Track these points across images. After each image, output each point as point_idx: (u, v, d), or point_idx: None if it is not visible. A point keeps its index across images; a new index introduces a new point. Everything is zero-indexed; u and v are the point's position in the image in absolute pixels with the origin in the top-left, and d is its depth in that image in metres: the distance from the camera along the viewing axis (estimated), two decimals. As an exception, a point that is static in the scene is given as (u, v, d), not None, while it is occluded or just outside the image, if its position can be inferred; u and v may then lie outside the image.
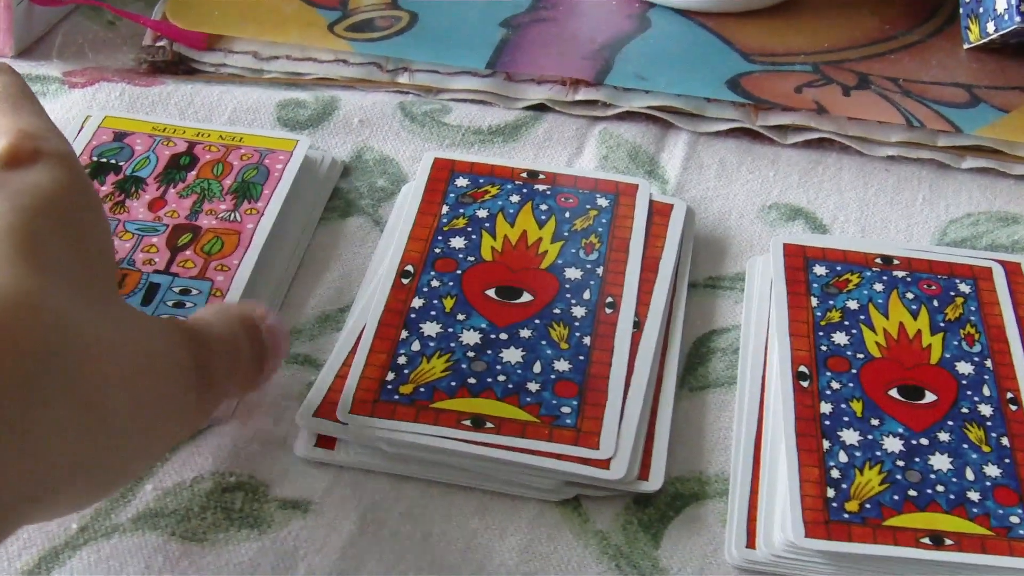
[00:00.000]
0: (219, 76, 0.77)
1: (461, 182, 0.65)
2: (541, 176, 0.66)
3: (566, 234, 0.62)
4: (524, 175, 0.66)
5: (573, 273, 0.60)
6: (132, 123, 0.70)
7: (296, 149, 0.68)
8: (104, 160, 0.67)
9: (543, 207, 0.64)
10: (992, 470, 0.53)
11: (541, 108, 0.75)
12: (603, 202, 0.64)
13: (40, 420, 0.37)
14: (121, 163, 0.66)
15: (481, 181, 0.65)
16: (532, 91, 0.75)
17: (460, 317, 0.58)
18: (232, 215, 0.63)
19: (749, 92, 0.73)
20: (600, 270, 0.61)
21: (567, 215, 0.63)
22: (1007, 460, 0.53)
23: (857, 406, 0.55)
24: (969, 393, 0.56)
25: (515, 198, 0.64)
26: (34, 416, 0.37)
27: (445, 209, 0.64)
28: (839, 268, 0.62)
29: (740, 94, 0.73)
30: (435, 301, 0.58)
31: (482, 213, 0.63)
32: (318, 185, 0.68)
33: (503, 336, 0.57)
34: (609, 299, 0.59)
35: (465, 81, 0.75)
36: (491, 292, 0.59)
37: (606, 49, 0.76)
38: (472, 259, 0.61)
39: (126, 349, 0.41)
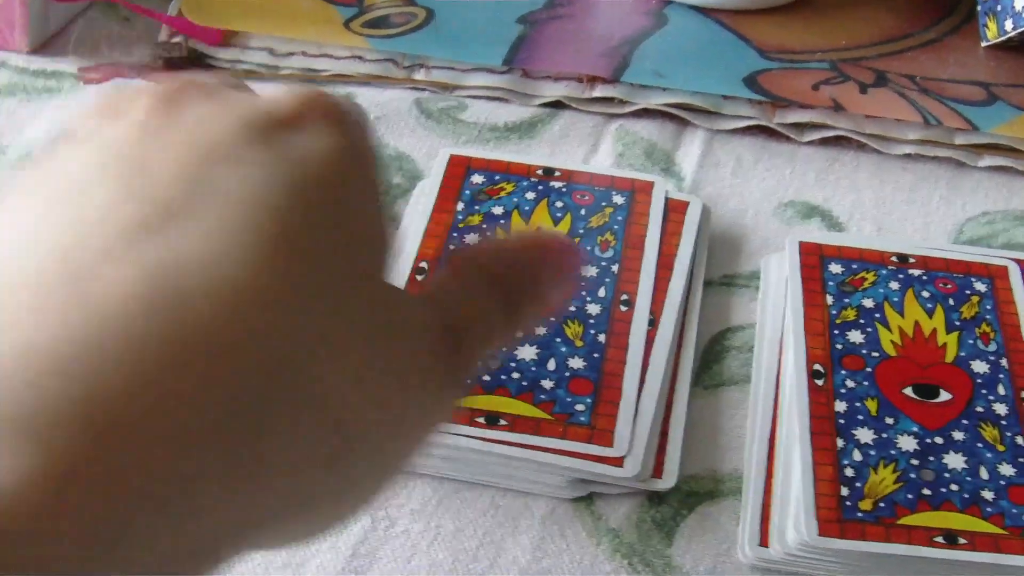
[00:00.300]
0: (234, 73, 0.77)
1: (477, 179, 0.65)
2: (557, 173, 0.66)
3: (581, 231, 0.62)
4: (540, 172, 0.66)
5: (588, 270, 0.60)
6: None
7: (312, 145, 0.67)
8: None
9: (558, 204, 0.64)
10: (1007, 469, 0.53)
11: (558, 105, 0.75)
12: (619, 199, 0.64)
13: (273, 446, 0.29)
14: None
15: (497, 178, 0.65)
16: (549, 88, 0.75)
17: None
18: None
19: (766, 89, 0.73)
20: (615, 267, 0.60)
21: (582, 212, 0.63)
22: (1021, 459, 0.53)
23: (872, 405, 0.55)
24: (984, 392, 0.56)
25: (531, 195, 0.64)
26: (267, 442, 0.29)
27: (460, 206, 0.64)
28: (855, 266, 0.62)
29: (757, 91, 0.73)
30: None
31: (497, 210, 0.63)
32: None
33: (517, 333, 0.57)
34: (624, 296, 0.59)
35: (481, 78, 0.75)
36: None
37: (623, 46, 0.76)
38: None
39: (375, 356, 0.33)
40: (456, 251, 0.43)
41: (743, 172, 0.71)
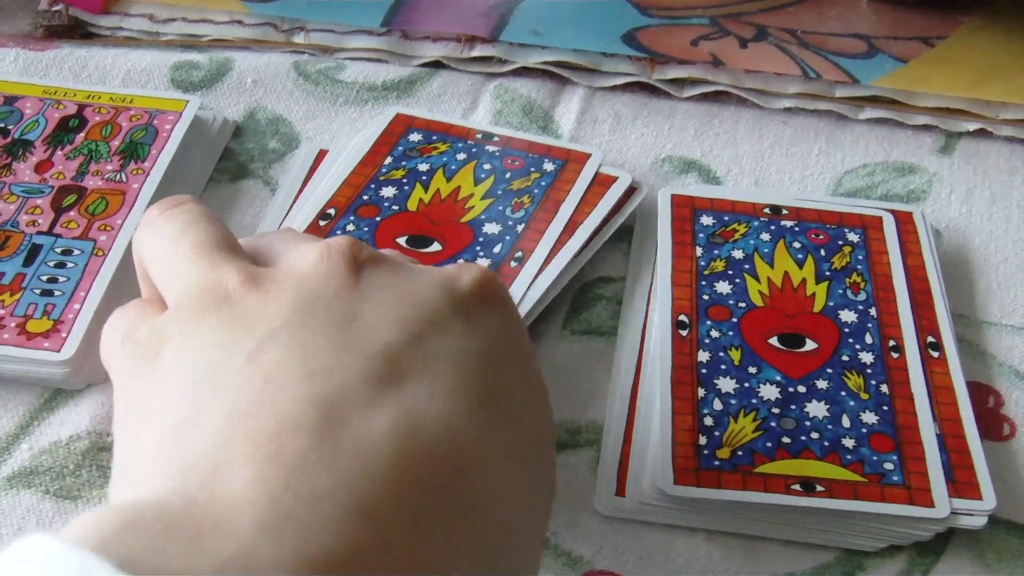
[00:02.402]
0: (115, 40, 0.76)
1: (414, 137, 0.65)
2: (496, 139, 0.65)
3: (499, 192, 0.62)
4: (479, 136, 0.66)
5: (491, 228, 0.60)
6: (23, 87, 0.69)
7: (185, 109, 0.67)
8: (-7, 124, 0.66)
9: (486, 166, 0.63)
10: (869, 417, 0.53)
11: (438, 65, 0.74)
12: (549, 167, 0.64)
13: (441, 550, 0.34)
14: (10, 127, 0.66)
15: (434, 138, 0.65)
16: (428, 48, 0.74)
17: None
18: (118, 175, 0.63)
19: (644, 46, 0.73)
20: (520, 227, 0.60)
21: (507, 175, 0.63)
22: (885, 407, 0.53)
23: (735, 354, 0.55)
24: (851, 341, 0.56)
25: (461, 156, 0.64)
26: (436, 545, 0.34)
27: (388, 160, 0.63)
28: (727, 218, 0.61)
29: (636, 48, 0.72)
30: None
31: (423, 167, 0.63)
32: (208, 146, 0.68)
33: None
34: (519, 254, 0.59)
35: (361, 40, 0.75)
36: (402, 240, 0.59)
37: (501, 5, 0.76)
38: (396, 208, 0.61)
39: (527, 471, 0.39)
40: None
41: (621, 128, 0.71)
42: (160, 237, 0.44)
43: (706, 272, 0.59)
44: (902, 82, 0.72)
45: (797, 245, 0.60)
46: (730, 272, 0.59)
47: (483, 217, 0.60)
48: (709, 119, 0.72)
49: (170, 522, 0.31)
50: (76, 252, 0.59)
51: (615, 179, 0.64)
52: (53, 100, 0.68)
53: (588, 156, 0.65)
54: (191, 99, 0.68)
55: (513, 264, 0.58)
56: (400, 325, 0.38)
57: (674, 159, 0.69)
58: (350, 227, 0.59)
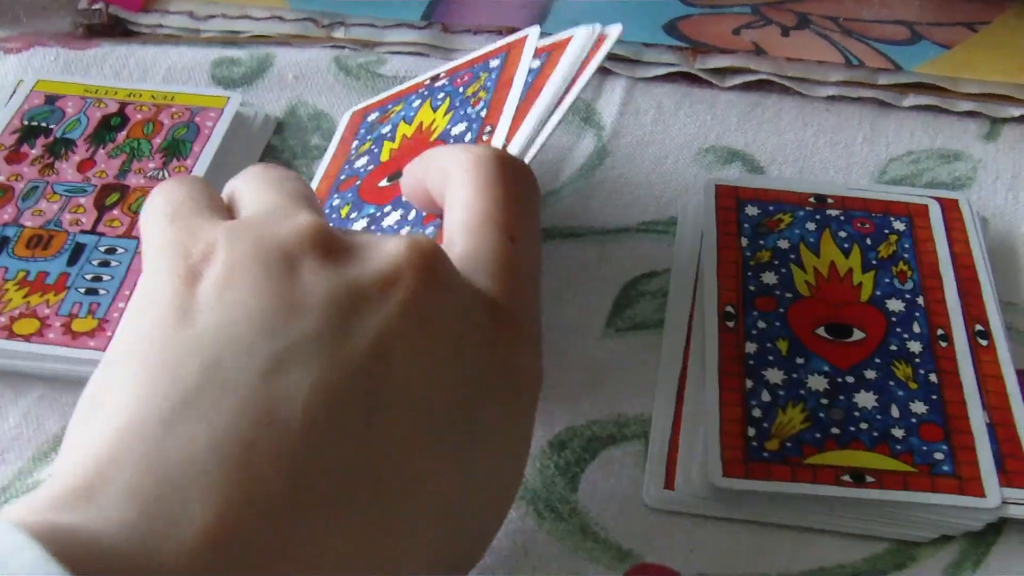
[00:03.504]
0: (156, 37, 0.77)
1: (372, 117, 0.65)
2: (442, 73, 0.65)
3: (456, 104, 0.61)
4: (427, 82, 0.65)
5: (458, 129, 0.58)
6: (64, 86, 0.69)
7: (227, 106, 0.67)
8: (35, 124, 0.66)
9: (440, 95, 0.62)
10: (918, 407, 0.52)
11: (478, 58, 0.74)
12: (494, 63, 0.62)
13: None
14: (52, 126, 0.66)
15: (389, 105, 0.65)
16: (469, 41, 0.74)
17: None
18: (160, 173, 0.63)
19: (686, 35, 0.72)
20: (483, 113, 0.57)
21: (461, 89, 0.62)
22: (934, 396, 0.53)
23: (783, 345, 0.55)
24: (899, 330, 0.56)
25: (416, 103, 0.63)
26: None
27: (355, 143, 0.63)
28: (771, 208, 0.61)
29: (677, 37, 0.72)
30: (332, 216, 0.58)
31: (386, 129, 0.63)
32: (250, 142, 0.68)
33: None
34: (488, 128, 0.57)
35: (401, 34, 0.75)
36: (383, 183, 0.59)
37: (542, -3, 0.76)
38: (372, 167, 0.60)
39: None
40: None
41: (664, 119, 0.70)
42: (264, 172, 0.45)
43: (752, 263, 0.58)
44: (946, 68, 0.71)
45: (843, 234, 0.60)
46: (776, 262, 0.58)
47: (448, 128, 0.59)
48: (752, 108, 0.71)
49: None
50: (120, 251, 0.59)
51: (570, 38, 0.61)
52: (94, 99, 0.68)
53: (525, 38, 0.62)
54: (232, 96, 0.68)
55: (484, 138, 0.57)
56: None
57: (718, 149, 0.68)
58: (336, 201, 0.59)
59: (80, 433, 0.36)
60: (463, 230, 0.44)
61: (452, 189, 0.45)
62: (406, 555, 0.36)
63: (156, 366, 0.36)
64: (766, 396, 0.52)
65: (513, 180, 0.45)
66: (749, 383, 0.53)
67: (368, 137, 0.63)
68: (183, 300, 0.37)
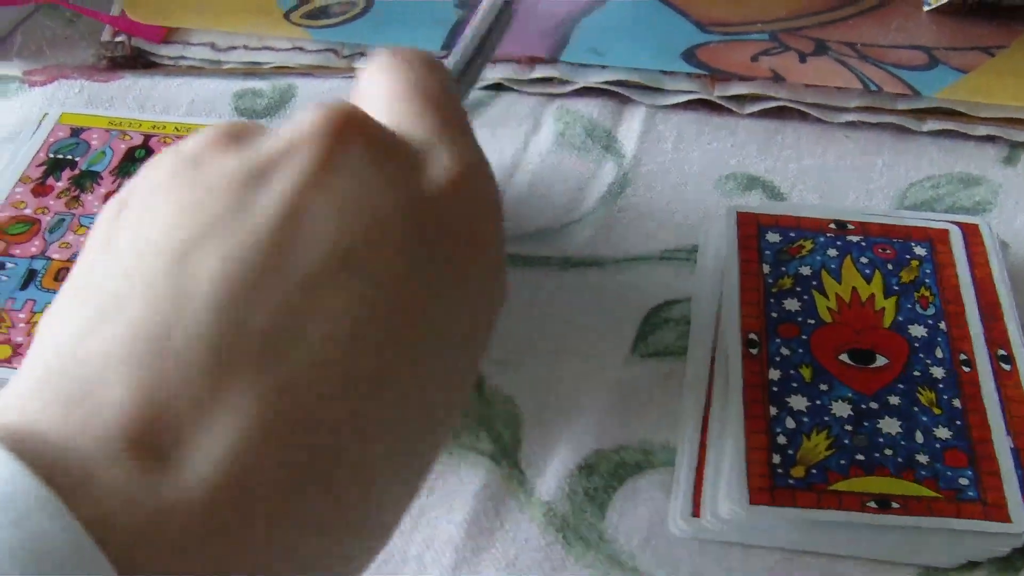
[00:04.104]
0: (178, 69, 0.77)
1: None
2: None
3: None
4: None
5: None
6: (89, 119, 0.70)
7: (251, 138, 0.68)
8: (60, 156, 0.67)
9: None
10: (942, 432, 0.53)
11: (498, 87, 0.75)
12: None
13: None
14: (77, 158, 0.67)
15: None
16: (488, 70, 0.75)
17: None
18: (186, 206, 0.63)
19: (705, 63, 0.73)
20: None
21: None
22: (958, 422, 0.53)
23: (806, 372, 0.55)
24: (921, 356, 0.56)
25: None
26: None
27: None
28: (792, 235, 0.61)
29: (696, 65, 0.72)
30: None
31: None
32: (274, 173, 0.68)
33: None
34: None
35: (422, 63, 0.75)
36: None
37: (561, 25, 0.76)
38: None
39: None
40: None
41: (684, 146, 0.71)
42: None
43: (774, 289, 0.58)
44: (964, 93, 0.71)
45: (864, 260, 0.60)
46: (798, 289, 0.59)
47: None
48: (771, 135, 0.72)
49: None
50: (147, 283, 0.59)
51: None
52: (119, 131, 0.69)
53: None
54: (255, 127, 0.68)
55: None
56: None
57: (738, 176, 0.69)
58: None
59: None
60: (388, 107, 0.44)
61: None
62: None
63: (82, 288, 0.37)
64: (790, 423, 0.53)
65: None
66: (773, 410, 0.53)
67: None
68: (109, 229, 0.39)
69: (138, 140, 0.68)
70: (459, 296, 0.40)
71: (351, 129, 0.39)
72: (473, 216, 0.41)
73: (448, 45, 0.75)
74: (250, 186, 0.37)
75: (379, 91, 0.44)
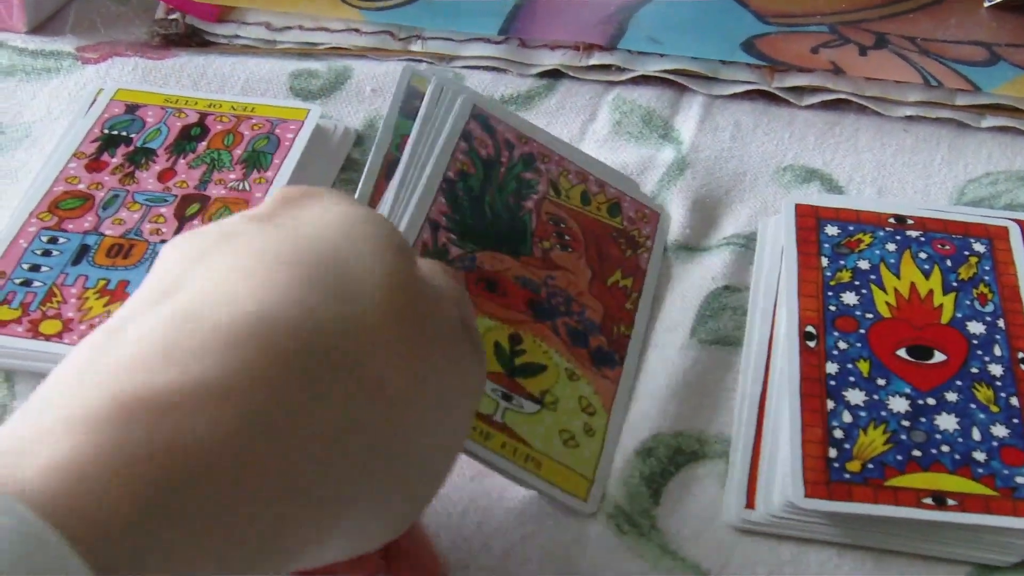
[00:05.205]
0: (232, 48, 0.77)
1: None
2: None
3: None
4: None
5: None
6: (144, 95, 0.70)
7: (307, 118, 0.68)
8: (115, 132, 0.67)
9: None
10: (1000, 430, 0.52)
11: (555, 74, 0.74)
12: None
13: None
14: (132, 135, 0.66)
15: None
16: (546, 57, 0.74)
17: None
18: (241, 184, 0.63)
19: (764, 53, 0.72)
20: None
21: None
22: (1015, 420, 0.53)
23: (864, 366, 0.54)
24: (979, 353, 0.55)
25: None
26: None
27: None
28: (851, 228, 0.61)
29: (755, 56, 0.72)
30: None
31: None
32: (330, 154, 0.68)
33: None
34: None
35: (478, 48, 0.75)
36: None
37: (620, 13, 0.76)
38: None
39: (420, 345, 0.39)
40: None
41: (742, 136, 0.70)
42: None
43: (832, 283, 0.58)
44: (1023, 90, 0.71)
45: (923, 255, 0.60)
46: (856, 283, 0.58)
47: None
48: (829, 127, 0.71)
49: None
50: (201, 260, 0.59)
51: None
52: (174, 108, 0.68)
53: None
54: (312, 108, 0.68)
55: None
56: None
57: (796, 168, 0.68)
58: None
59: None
60: None
61: None
62: None
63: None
64: (847, 417, 0.52)
65: None
66: (830, 404, 0.53)
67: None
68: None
69: (194, 118, 0.68)
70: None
71: None
72: None
73: (505, 31, 0.74)
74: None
75: None
